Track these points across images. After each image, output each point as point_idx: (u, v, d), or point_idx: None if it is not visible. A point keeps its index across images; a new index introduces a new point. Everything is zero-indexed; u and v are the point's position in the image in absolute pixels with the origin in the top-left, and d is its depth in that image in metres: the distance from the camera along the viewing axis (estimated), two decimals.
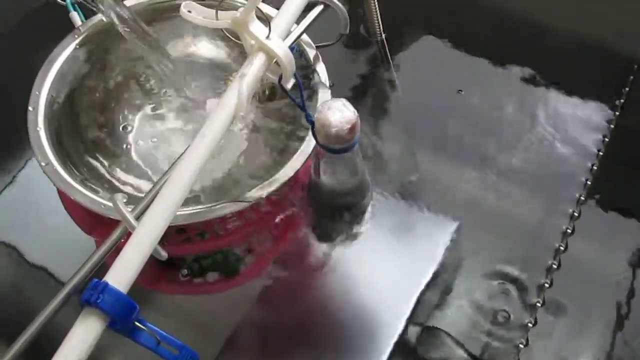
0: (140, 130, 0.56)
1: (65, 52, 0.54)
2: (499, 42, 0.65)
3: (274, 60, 0.44)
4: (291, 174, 0.47)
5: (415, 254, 0.53)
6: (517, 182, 0.55)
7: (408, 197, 0.55)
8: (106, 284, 0.34)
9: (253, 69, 0.42)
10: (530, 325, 0.48)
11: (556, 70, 0.62)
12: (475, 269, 0.51)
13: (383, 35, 0.60)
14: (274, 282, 0.51)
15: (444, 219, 0.54)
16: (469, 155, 0.57)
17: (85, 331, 0.33)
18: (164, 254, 0.44)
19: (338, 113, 0.45)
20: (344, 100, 0.45)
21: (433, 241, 0.53)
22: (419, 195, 0.55)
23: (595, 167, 0.56)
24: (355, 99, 0.61)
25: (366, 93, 0.62)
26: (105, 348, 0.47)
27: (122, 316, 0.34)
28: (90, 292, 0.33)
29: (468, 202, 0.55)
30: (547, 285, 0.50)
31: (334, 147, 0.46)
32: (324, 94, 0.52)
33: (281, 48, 0.43)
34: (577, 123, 0.59)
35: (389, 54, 0.61)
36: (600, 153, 0.57)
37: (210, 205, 0.46)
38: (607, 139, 0.58)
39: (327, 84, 0.53)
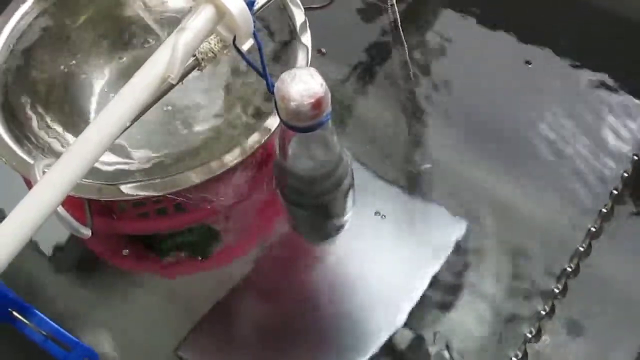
0: (104, 95, 0.50)
1: (26, 4, 0.49)
2: (529, 20, 0.57)
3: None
4: (243, 156, 0.42)
5: (415, 250, 0.47)
6: (538, 181, 0.49)
7: (412, 186, 0.49)
8: None
9: (195, 24, 0.35)
10: (547, 340, 0.43)
11: (598, 56, 0.54)
12: (482, 275, 0.45)
13: (394, 1, 0.52)
14: (258, 270, 0.47)
15: (451, 214, 0.48)
16: (483, 144, 0.51)
17: None
18: (85, 232, 0.39)
19: (301, 84, 0.37)
20: (311, 70, 0.38)
21: (437, 237, 0.47)
22: (425, 185, 0.49)
23: (626, 174, 0.48)
24: (358, 72, 0.55)
25: (370, 67, 0.55)
26: None
27: None
28: None
29: (481, 198, 0.48)
30: (560, 297, 0.44)
31: (294, 124, 0.39)
32: (301, 62, 0.45)
33: (234, 1, 0.36)
34: (617, 118, 0.51)
35: (399, 22, 0.53)
36: (636, 157, 0.49)
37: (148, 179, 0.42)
38: None
39: (309, 52, 0.45)
